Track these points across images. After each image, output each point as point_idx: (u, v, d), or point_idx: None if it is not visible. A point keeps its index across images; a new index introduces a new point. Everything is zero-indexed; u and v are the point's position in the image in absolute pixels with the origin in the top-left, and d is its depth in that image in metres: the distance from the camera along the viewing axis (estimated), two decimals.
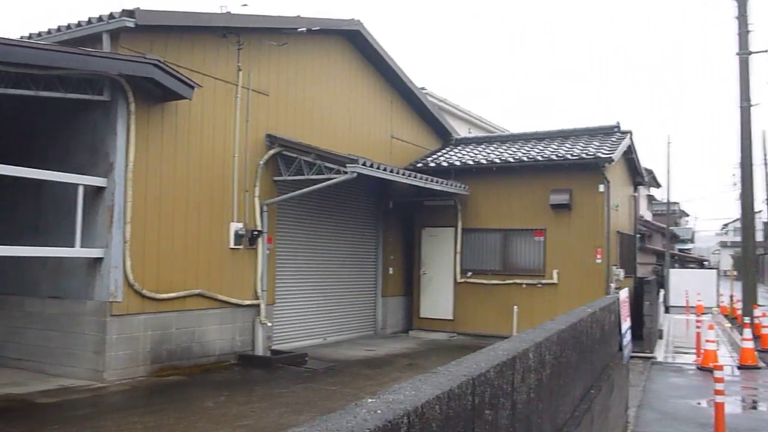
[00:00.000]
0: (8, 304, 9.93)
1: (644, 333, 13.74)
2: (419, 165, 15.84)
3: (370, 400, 1.45)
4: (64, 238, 9.13)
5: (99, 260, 9.02)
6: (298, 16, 12.21)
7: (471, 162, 15.31)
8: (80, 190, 8.89)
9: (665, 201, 36.87)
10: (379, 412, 1.35)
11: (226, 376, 9.84)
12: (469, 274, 15.08)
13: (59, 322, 9.33)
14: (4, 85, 7.99)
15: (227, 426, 6.82)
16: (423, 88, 17.73)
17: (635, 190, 19.25)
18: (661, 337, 16.55)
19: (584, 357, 3.90)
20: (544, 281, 14.23)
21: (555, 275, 14.12)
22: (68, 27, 9.42)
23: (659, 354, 13.93)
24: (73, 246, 8.87)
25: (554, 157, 14.33)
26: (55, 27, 9.56)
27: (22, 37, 9.83)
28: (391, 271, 15.59)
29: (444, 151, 17.11)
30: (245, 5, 11.40)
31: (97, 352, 8.92)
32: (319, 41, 13.32)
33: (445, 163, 15.62)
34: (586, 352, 3.98)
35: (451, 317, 15.25)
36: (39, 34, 9.73)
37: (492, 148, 16.45)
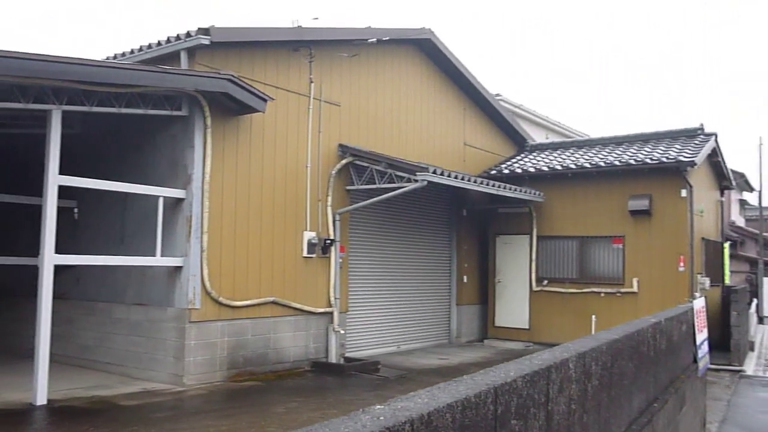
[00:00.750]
0: (97, 311, 10.47)
1: (732, 345, 13.09)
2: (493, 172, 15.70)
3: (377, 407, 1.48)
4: (146, 248, 9.57)
5: (178, 269, 9.40)
6: (369, 27, 12.37)
7: (546, 168, 15.05)
8: (161, 202, 9.31)
9: (758, 206, 35.03)
10: (381, 418, 1.38)
11: (299, 383, 10.02)
12: (545, 282, 14.80)
13: (143, 327, 9.77)
14: (90, 103, 8.48)
15: None
16: (498, 95, 17.59)
17: (722, 194, 18.40)
18: (752, 349, 15.72)
19: (645, 368, 3.78)
20: (623, 290, 13.80)
21: (635, 284, 13.66)
22: (149, 46, 9.90)
23: (749, 367, 13.24)
24: (154, 255, 9.29)
25: (633, 161, 13.89)
26: (137, 47, 10.06)
27: (107, 58, 10.40)
28: (465, 279, 15.49)
29: (519, 157, 16.89)
30: (316, 18, 11.67)
31: (177, 357, 9.29)
32: (390, 51, 13.45)
33: (519, 170, 15.42)
34: (648, 363, 3.86)
35: (526, 326, 15.00)
36: (123, 54, 10.26)
37: (568, 154, 16.12)
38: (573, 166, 14.68)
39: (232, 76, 9.35)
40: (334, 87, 11.95)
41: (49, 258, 8.02)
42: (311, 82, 11.39)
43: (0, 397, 8.25)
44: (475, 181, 12.70)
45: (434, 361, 12.46)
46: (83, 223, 10.80)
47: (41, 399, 7.92)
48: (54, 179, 8.02)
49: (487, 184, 13.08)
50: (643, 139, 15.74)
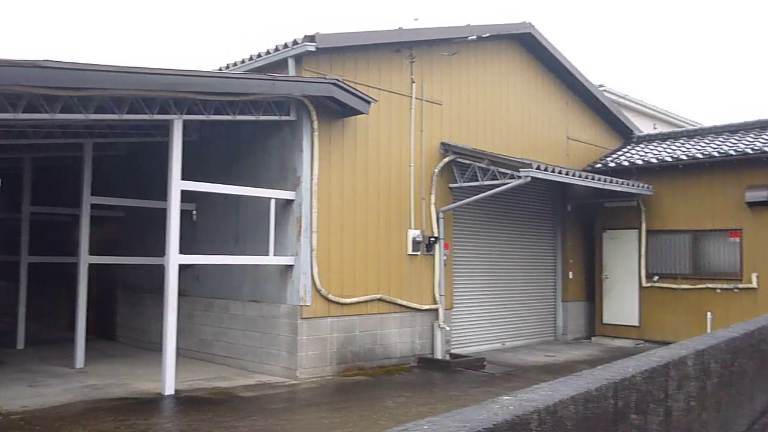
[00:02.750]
0: (215, 307, 11.09)
1: None
2: (598, 165, 15.33)
3: (505, 398, 1.59)
4: (259, 247, 10.06)
5: (290, 267, 9.82)
6: (468, 24, 12.40)
7: (654, 160, 14.54)
8: (272, 204, 9.76)
9: None
10: (510, 408, 1.49)
11: (407, 378, 10.23)
12: (656, 278, 14.32)
13: (258, 323, 10.27)
14: (208, 112, 9.01)
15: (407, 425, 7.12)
16: (601, 86, 17.15)
17: None
18: None
19: (767, 367, 3.67)
20: (741, 285, 13.14)
21: (754, 279, 12.98)
22: (258, 55, 10.37)
23: None
24: (267, 255, 9.75)
25: (750, 150, 13.19)
26: (248, 56, 10.55)
27: (219, 68, 10.98)
28: (570, 275, 15.23)
29: (625, 149, 16.39)
30: (416, 19, 11.82)
31: (290, 352, 9.71)
32: (490, 47, 13.42)
33: (626, 163, 14.98)
34: None
35: (636, 323, 14.57)
36: (234, 64, 10.80)
37: (678, 144, 15.50)
38: (684, 157, 14.11)
39: (337, 80, 9.66)
40: (435, 86, 12.07)
41: (174, 258, 8.59)
42: (413, 82, 11.56)
43: (133, 387, 8.93)
44: (580, 176, 12.48)
45: (540, 359, 12.35)
46: (201, 224, 11.46)
47: (169, 389, 8.51)
48: (177, 184, 8.59)
49: (593, 179, 12.81)
50: (761, 126, 14.90)
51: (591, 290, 15.55)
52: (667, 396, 2.29)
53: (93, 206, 10.77)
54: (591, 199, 15.00)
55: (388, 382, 9.88)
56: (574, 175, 12.25)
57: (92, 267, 10.96)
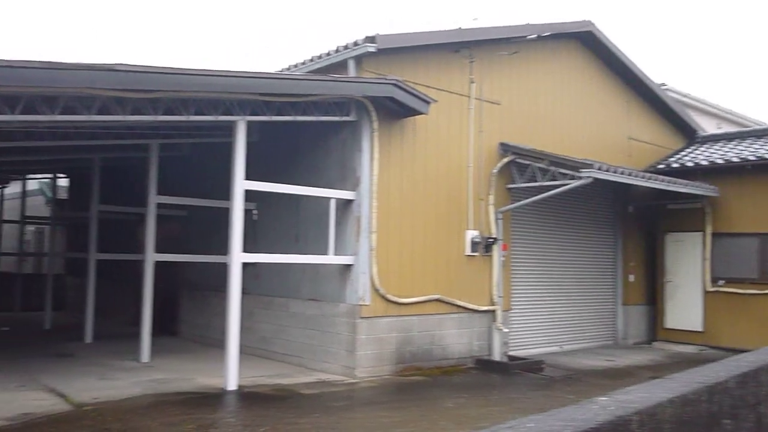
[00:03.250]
0: (275, 305, 11.27)
1: None
2: (660, 166, 14.97)
3: (602, 399, 1.58)
4: (318, 247, 10.18)
5: (349, 267, 9.90)
6: (528, 23, 12.28)
7: (720, 161, 14.12)
8: (332, 203, 9.86)
9: None
10: (610, 408, 1.48)
11: (465, 379, 10.19)
12: (721, 282, 13.89)
13: (317, 322, 10.39)
14: (270, 113, 9.16)
15: (467, 426, 7.11)
16: (662, 84, 16.73)
17: None
18: None
19: None
20: None
21: None
22: (319, 57, 10.49)
23: None
24: (326, 254, 9.86)
25: None
26: (309, 57, 10.69)
27: (281, 70, 11.15)
28: (631, 278, 14.91)
29: (688, 150, 15.97)
30: (476, 19, 11.77)
31: (349, 351, 9.79)
32: (549, 46, 13.26)
33: (690, 163, 14.59)
34: None
35: (700, 329, 14.17)
36: (295, 66, 10.95)
37: (745, 144, 15.01)
38: (752, 158, 13.66)
39: (397, 80, 9.69)
40: (494, 86, 11.99)
41: (237, 256, 8.77)
42: (472, 82, 11.52)
43: (197, 382, 9.16)
44: (642, 177, 12.21)
45: (600, 363, 12.14)
46: (261, 223, 11.65)
47: (232, 385, 8.69)
48: (240, 184, 8.76)
49: (656, 179, 12.52)
50: None
51: (652, 294, 15.20)
52: (758, 402, 2.23)
53: (158, 205, 11.08)
54: (653, 201, 14.66)
55: (446, 382, 9.87)
56: (636, 176, 12.00)
57: (156, 264, 11.27)
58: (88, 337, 12.95)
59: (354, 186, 9.97)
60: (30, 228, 23.39)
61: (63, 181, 20.08)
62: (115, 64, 7.40)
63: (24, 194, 18.25)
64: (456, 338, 11.04)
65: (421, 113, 10.18)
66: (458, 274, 11.14)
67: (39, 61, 6.94)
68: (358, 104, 9.92)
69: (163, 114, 8.35)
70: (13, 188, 20.56)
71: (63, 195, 20.01)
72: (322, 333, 10.25)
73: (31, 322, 15.92)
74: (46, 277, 16.03)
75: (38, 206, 21.66)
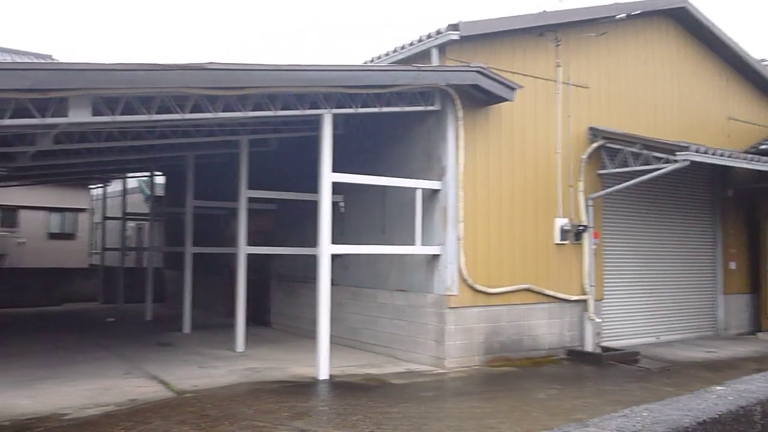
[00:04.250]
0: (364, 296, 11.38)
1: None
2: (763, 147, 14.14)
3: (718, 388, 1.50)
4: (405, 237, 10.20)
5: (436, 257, 9.87)
6: (615, 3, 11.84)
7: None
8: (418, 194, 9.85)
9: None
10: (730, 398, 1.40)
11: (556, 370, 9.98)
12: None
13: (405, 312, 10.42)
14: (355, 105, 9.23)
15: (560, 418, 6.97)
16: (763, 60, 15.78)
17: None
18: None
19: None
20: None
21: None
22: (402, 47, 10.48)
23: None
24: (413, 244, 9.86)
25: None
26: (392, 48, 10.70)
27: (365, 62, 11.21)
28: (732, 266, 14.18)
29: None
30: (561, 0, 11.44)
31: (437, 341, 9.77)
32: (640, 25, 12.74)
33: None
34: None
35: None
36: (378, 57, 10.98)
37: None
38: None
39: (482, 67, 9.56)
40: (581, 69, 11.64)
41: (326, 248, 8.90)
42: (558, 66, 11.22)
43: (290, 371, 9.38)
44: (743, 158, 11.56)
45: (700, 354, 11.62)
46: (348, 215, 11.78)
47: (324, 374, 8.85)
48: (328, 177, 8.88)
49: (758, 161, 11.83)
50: None
51: (755, 282, 14.40)
52: None
53: (249, 199, 11.38)
54: (755, 184, 13.88)
55: (537, 373, 9.70)
56: (737, 158, 11.38)
57: (249, 257, 11.59)
58: (187, 328, 13.50)
59: (440, 176, 9.91)
60: (131, 224, 24.62)
61: (160, 179, 21.00)
62: (206, 63, 7.64)
63: (125, 192, 19.19)
64: (546, 328, 10.82)
65: (506, 100, 10.01)
66: (547, 263, 10.91)
67: (138, 63, 7.25)
68: (442, 93, 9.85)
69: (252, 110, 8.55)
70: (114, 187, 21.68)
71: (160, 192, 20.91)
72: (411, 323, 10.27)
73: (133, 314, 16.74)
74: (146, 270, 16.80)
75: (138, 203, 22.76)
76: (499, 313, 10.29)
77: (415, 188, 9.91)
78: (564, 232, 11.03)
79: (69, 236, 24.12)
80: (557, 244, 11.02)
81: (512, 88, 9.92)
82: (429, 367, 9.72)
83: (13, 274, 19.62)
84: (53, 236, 23.79)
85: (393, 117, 10.12)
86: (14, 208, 22.97)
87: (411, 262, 10.37)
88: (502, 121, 10.47)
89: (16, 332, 13.61)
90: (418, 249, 9.87)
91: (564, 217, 11.11)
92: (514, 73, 10.51)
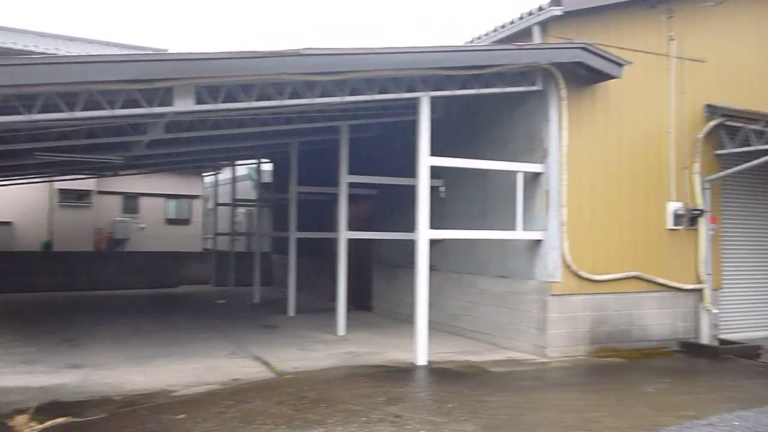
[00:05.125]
0: (464, 282, 11.21)
1: None
2: None
3: None
4: (506, 222, 9.93)
5: (538, 242, 9.55)
6: None
7: None
8: (519, 177, 9.55)
9: None
10: None
11: (667, 363, 9.44)
12: None
13: (506, 299, 10.17)
14: (453, 87, 9.05)
15: (669, 414, 6.55)
16: None
17: None
18: None
19: None
20: None
21: None
22: (502, 26, 10.16)
23: None
24: (514, 229, 9.59)
25: None
26: (492, 28, 10.40)
27: (465, 42, 10.97)
28: None
29: None
30: None
31: (539, 329, 9.47)
32: None
33: None
34: None
35: None
36: (478, 38, 10.71)
37: None
38: None
39: (586, 44, 9.11)
40: (697, 42, 10.86)
41: (424, 233, 8.81)
42: (671, 39, 10.53)
43: (388, 356, 9.38)
44: None
45: None
46: (448, 200, 11.62)
47: (422, 360, 8.78)
48: (425, 161, 8.76)
49: None
50: None
51: None
52: None
53: (349, 185, 11.44)
54: None
55: (646, 366, 9.21)
56: None
57: (350, 242, 11.68)
58: (291, 311, 13.83)
59: (542, 158, 9.56)
60: (241, 210, 25.53)
61: (268, 166, 21.62)
62: (304, 48, 7.69)
63: (234, 179, 19.89)
64: (657, 318, 10.25)
65: (613, 77, 9.49)
66: (659, 250, 10.31)
67: (236, 52, 7.40)
68: (545, 72, 9.47)
69: (349, 94, 8.55)
70: (225, 174, 22.53)
71: (268, 179, 21.53)
72: (512, 310, 10.02)
73: (242, 296, 17.35)
74: (254, 255, 17.35)
75: (248, 190, 23.55)
76: (606, 302, 9.84)
77: (516, 171, 9.61)
78: (677, 217, 10.38)
79: (184, 222, 25.32)
80: (670, 229, 10.39)
81: (620, 65, 9.40)
82: (530, 356, 9.44)
83: (134, 257, 20.85)
84: (170, 222, 25.05)
85: (493, 98, 9.84)
86: (135, 196, 24.37)
87: (512, 248, 10.09)
88: (609, 99, 9.95)
89: (136, 312, 14.43)
90: (519, 234, 9.59)
91: (677, 201, 10.45)
92: (621, 48, 9.94)
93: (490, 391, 7.43)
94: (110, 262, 20.14)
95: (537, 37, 9.54)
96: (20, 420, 6.06)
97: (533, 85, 9.49)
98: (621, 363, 9.27)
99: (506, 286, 10.18)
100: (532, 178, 9.66)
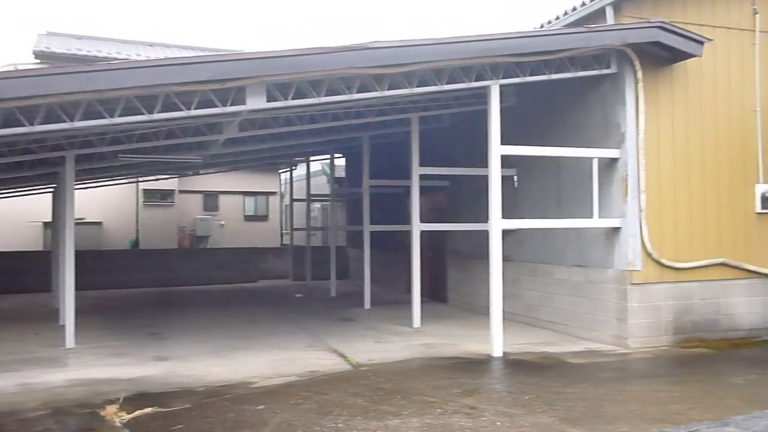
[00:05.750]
0: (540, 272, 11.01)
1: None
2: None
3: None
4: (582, 209, 9.69)
5: (616, 230, 9.27)
6: None
7: None
8: (595, 163, 9.30)
9: None
10: None
11: (758, 353, 8.99)
12: None
13: (584, 289, 9.93)
14: (523, 74, 8.88)
15: (759, 406, 6.25)
16: None
17: None
18: None
19: None
20: None
21: None
22: (573, 9, 9.90)
23: None
24: (591, 217, 9.34)
25: None
26: (562, 12, 10.15)
27: (535, 27, 10.75)
28: None
29: None
30: None
31: (619, 319, 9.20)
32: None
33: None
34: None
35: None
36: (549, 22, 10.47)
37: None
38: None
39: (663, 22, 8.76)
40: None
41: (497, 223, 8.70)
42: (755, 13, 9.99)
43: (463, 348, 9.34)
44: None
45: None
46: (522, 189, 11.44)
47: (497, 351, 8.69)
48: (496, 150, 8.65)
49: None
50: None
51: None
52: None
53: (421, 177, 11.42)
54: None
55: (735, 356, 8.81)
56: None
57: (424, 234, 11.67)
58: (367, 303, 13.94)
59: (618, 143, 9.27)
60: (316, 205, 25.94)
61: (340, 161, 21.86)
62: (371, 42, 7.73)
63: (308, 175, 20.20)
64: (746, 307, 9.78)
65: (692, 56, 9.10)
66: (746, 235, 9.83)
67: (304, 48, 7.50)
68: (619, 54, 9.17)
69: (418, 86, 8.53)
70: (300, 170, 22.92)
71: (341, 173, 21.77)
72: (590, 300, 9.77)
73: (319, 290, 17.62)
74: (330, 249, 17.58)
75: (321, 185, 23.91)
76: (690, 290, 9.46)
77: (592, 158, 9.35)
78: (766, 200, 9.86)
79: (262, 218, 25.94)
80: (759, 213, 9.89)
81: (699, 42, 8.99)
82: (610, 347, 9.19)
83: (215, 253, 21.51)
84: (248, 218, 25.72)
85: (566, 84, 9.60)
86: (215, 194, 25.14)
87: (589, 236, 9.84)
88: (688, 79, 9.55)
89: (218, 306, 14.89)
90: (596, 222, 9.34)
91: (766, 183, 9.93)
92: (701, 25, 9.50)
93: (568, 382, 7.27)
94: (192, 259, 20.86)
95: (610, 18, 9.24)
96: (110, 410, 6.36)
97: (607, 67, 9.21)
98: (707, 353, 8.90)
99: (584, 276, 9.93)
100: (608, 164, 9.38)
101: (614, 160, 9.30)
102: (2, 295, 16.89)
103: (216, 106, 7.65)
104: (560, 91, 10.24)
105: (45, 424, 5.93)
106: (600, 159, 9.35)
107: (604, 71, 9.20)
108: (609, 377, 7.63)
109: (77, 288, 9.85)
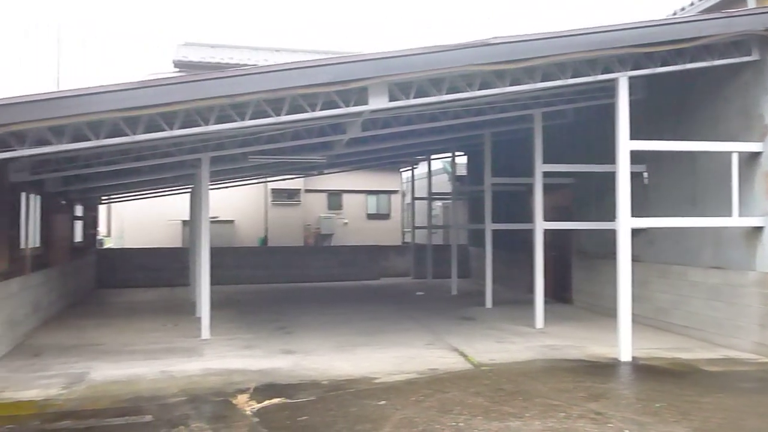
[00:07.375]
0: (672, 274, 10.44)
1: None
2: None
3: None
4: (719, 207, 9.09)
5: (758, 229, 8.62)
6: None
7: None
8: (734, 158, 8.69)
9: None
10: None
11: None
12: None
13: (721, 292, 9.31)
14: (653, 65, 8.46)
15: None
16: None
17: None
18: None
19: None
20: None
21: None
22: None
23: None
24: (729, 216, 8.74)
25: None
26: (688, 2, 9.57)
27: (666, 16, 10.20)
28: None
29: None
30: None
31: (762, 326, 8.55)
32: None
33: None
34: None
35: None
36: (682, 9, 9.92)
37: None
38: None
39: None
40: None
41: (625, 222, 8.34)
42: None
43: (589, 350, 9.02)
44: None
45: None
46: (653, 186, 10.89)
47: (626, 355, 8.33)
48: (625, 145, 8.29)
49: None
50: None
51: None
52: None
53: (545, 174, 11.14)
54: None
55: None
56: None
57: (548, 233, 11.37)
58: (488, 303, 13.79)
59: (761, 136, 8.61)
60: (437, 203, 25.97)
61: (462, 159, 21.74)
62: (490, 38, 7.63)
63: (430, 173, 20.26)
64: None
65: None
66: None
67: (425, 47, 7.54)
68: (762, 40, 8.52)
69: (540, 81, 8.33)
70: (421, 169, 23.03)
71: (463, 171, 21.65)
72: (728, 305, 9.14)
73: (440, 288, 17.63)
74: (451, 247, 17.54)
75: (443, 183, 23.90)
76: None
77: (731, 152, 8.75)
78: None
79: (384, 216, 26.30)
80: None
81: None
82: (751, 355, 8.56)
83: (338, 251, 22.05)
84: (371, 217, 26.17)
85: (699, 74, 9.04)
86: (338, 193, 25.78)
87: (727, 236, 9.21)
88: None
89: (341, 303, 15.25)
90: (735, 221, 8.72)
91: None
92: None
93: (704, 391, 6.85)
94: (317, 256, 21.50)
95: (751, 2, 8.62)
96: (242, 399, 6.69)
97: (748, 55, 8.59)
98: None
99: (721, 278, 9.31)
100: (750, 159, 8.73)
101: (756, 155, 8.65)
102: (145, 289, 18.19)
103: (339, 107, 7.85)
104: (693, 82, 9.65)
105: (183, 410, 6.32)
106: (740, 153, 8.72)
107: (745, 59, 8.59)
108: (749, 387, 7.11)
109: (211, 283, 10.42)
